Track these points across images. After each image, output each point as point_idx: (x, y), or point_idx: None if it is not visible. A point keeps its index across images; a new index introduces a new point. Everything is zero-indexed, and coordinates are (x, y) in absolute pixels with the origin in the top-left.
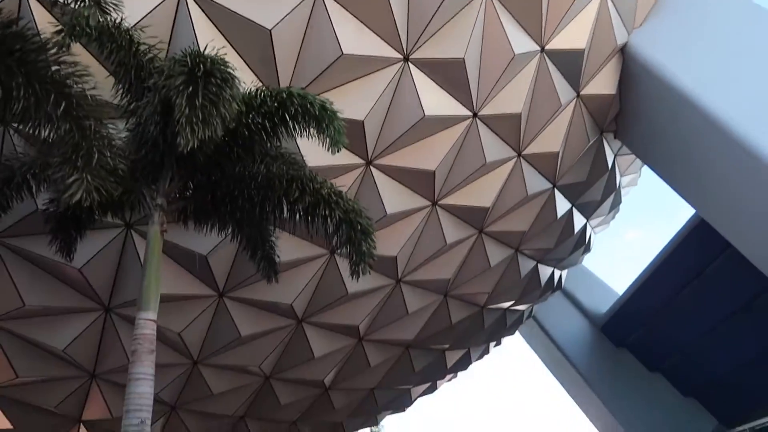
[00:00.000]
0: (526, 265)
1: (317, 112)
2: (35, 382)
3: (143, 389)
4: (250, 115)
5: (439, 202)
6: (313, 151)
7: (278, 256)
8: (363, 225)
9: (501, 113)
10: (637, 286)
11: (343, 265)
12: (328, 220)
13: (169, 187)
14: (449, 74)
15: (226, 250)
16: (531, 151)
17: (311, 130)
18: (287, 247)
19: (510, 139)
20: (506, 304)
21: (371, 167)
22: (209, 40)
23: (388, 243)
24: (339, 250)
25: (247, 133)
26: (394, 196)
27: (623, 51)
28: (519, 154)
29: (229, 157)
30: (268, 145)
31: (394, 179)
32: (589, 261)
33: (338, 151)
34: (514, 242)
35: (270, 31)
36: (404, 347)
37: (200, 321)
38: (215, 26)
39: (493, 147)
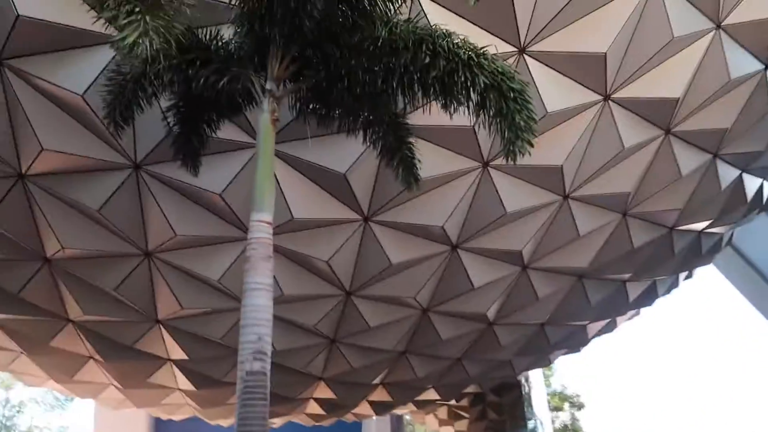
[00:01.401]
0: (727, 174)
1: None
2: (199, 314)
3: (260, 301)
4: None
5: (613, 96)
6: None
7: (419, 161)
8: (516, 90)
9: None
10: None
11: (499, 179)
12: (471, 89)
13: (278, 70)
14: None
15: (367, 166)
16: (734, 21)
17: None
18: (433, 160)
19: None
20: (701, 225)
21: (524, 55)
22: None
23: (551, 150)
24: (488, 127)
25: None
26: (554, 90)
27: None
28: (718, 26)
29: (343, 25)
30: (389, 6)
31: (553, 69)
32: None
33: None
34: (711, 144)
35: None
36: (577, 277)
37: (347, 249)
38: None
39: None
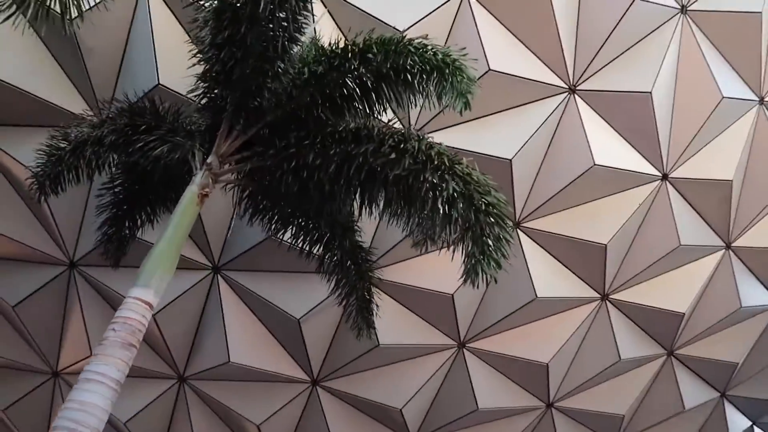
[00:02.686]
0: (736, 421)
1: (439, 62)
2: None
3: (89, 397)
4: (347, 65)
5: (611, 296)
6: None
7: (377, 305)
8: (490, 203)
9: (704, 178)
10: None
11: (477, 366)
12: (437, 195)
13: (227, 145)
14: (627, 111)
15: (326, 318)
16: (744, 244)
17: (431, 85)
18: (402, 329)
19: (716, 220)
20: None
21: (519, 230)
22: None
23: (537, 344)
24: (451, 247)
25: (341, 90)
26: (548, 275)
27: None
28: (728, 246)
29: (310, 116)
30: (367, 107)
31: (548, 251)
32: None
33: (468, 109)
34: (719, 381)
35: None
36: None
37: (287, 414)
38: None
39: (695, 230)
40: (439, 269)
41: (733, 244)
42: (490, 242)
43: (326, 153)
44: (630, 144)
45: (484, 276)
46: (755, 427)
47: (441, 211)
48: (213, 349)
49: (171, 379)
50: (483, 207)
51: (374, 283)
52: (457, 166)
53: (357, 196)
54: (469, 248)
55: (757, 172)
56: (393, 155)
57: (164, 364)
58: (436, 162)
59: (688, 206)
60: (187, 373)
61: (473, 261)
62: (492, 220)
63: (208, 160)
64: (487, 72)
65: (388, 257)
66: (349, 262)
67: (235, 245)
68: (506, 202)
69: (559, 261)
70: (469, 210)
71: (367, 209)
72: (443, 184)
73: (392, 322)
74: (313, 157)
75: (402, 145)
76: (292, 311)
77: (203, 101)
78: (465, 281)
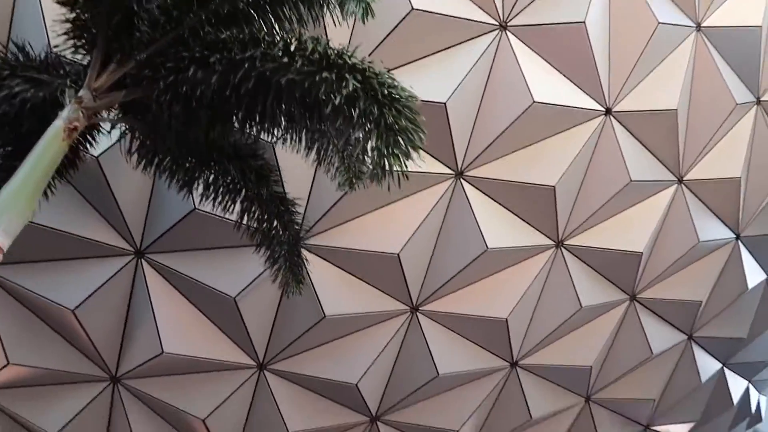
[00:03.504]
0: (706, 364)
1: None
2: None
3: None
4: None
5: (566, 242)
6: None
7: (307, 260)
8: (394, 95)
9: (648, 109)
10: None
11: (432, 330)
12: (335, 95)
13: (103, 78)
14: (562, 45)
15: (265, 293)
16: (695, 177)
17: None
18: (348, 298)
19: (665, 154)
20: (683, 429)
21: (462, 179)
22: None
23: (494, 299)
24: (358, 154)
25: (231, 8)
26: (498, 226)
27: None
28: (680, 180)
29: (198, 38)
30: (264, 27)
31: (496, 201)
32: None
33: (371, 16)
34: (685, 322)
35: None
36: None
37: (234, 404)
38: None
39: (645, 165)
40: (381, 228)
41: (685, 178)
42: (399, 136)
43: (206, 62)
44: (569, 79)
45: (393, 173)
46: (725, 369)
47: (344, 112)
48: (144, 342)
49: (103, 381)
50: (387, 101)
51: (300, 235)
52: (357, 64)
53: (257, 114)
54: (374, 143)
55: (700, 100)
56: (285, 59)
57: (93, 365)
58: (332, 60)
59: (634, 140)
60: (120, 372)
61: (378, 156)
62: (396, 111)
63: (80, 94)
64: (410, 12)
65: (324, 222)
66: (269, 215)
67: (157, 225)
68: (415, 97)
69: (507, 209)
70: (372, 105)
71: (270, 132)
72: (342, 82)
73: (338, 291)
74: (193, 70)
75: (294, 48)
76: (227, 290)
77: (72, 34)
78: (372, 180)
